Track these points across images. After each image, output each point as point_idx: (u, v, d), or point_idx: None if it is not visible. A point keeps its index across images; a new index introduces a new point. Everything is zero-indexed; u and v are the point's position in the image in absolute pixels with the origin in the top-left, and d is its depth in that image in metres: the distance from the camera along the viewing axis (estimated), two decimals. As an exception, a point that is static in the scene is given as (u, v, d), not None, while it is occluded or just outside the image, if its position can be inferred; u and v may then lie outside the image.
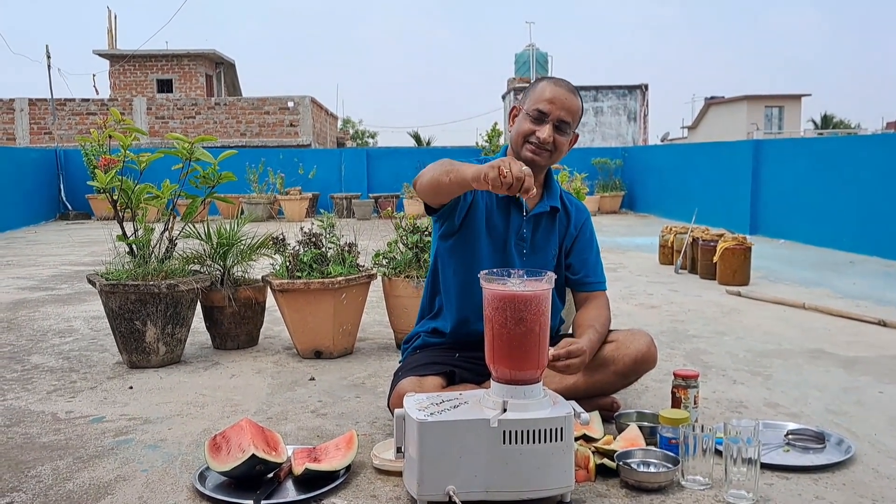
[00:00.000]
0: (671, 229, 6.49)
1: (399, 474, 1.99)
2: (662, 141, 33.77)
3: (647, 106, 24.79)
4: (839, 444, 2.21)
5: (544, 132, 2.26)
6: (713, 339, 3.71)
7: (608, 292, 2.54)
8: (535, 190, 1.86)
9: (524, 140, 2.30)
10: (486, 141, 10.41)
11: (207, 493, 1.91)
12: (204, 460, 2.05)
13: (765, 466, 2.02)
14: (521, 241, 2.37)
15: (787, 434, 2.28)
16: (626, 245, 8.26)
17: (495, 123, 11.00)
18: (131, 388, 2.93)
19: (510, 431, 1.76)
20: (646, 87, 24.84)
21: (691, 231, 6.03)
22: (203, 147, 3.51)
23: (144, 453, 2.24)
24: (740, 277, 5.32)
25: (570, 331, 2.47)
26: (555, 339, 2.30)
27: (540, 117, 2.27)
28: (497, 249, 2.36)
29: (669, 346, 3.56)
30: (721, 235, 5.65)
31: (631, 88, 24.72)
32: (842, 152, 8.02)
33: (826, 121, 40.13)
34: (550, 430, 1.77)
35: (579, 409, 1.83)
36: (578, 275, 2.48)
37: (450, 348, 2.42)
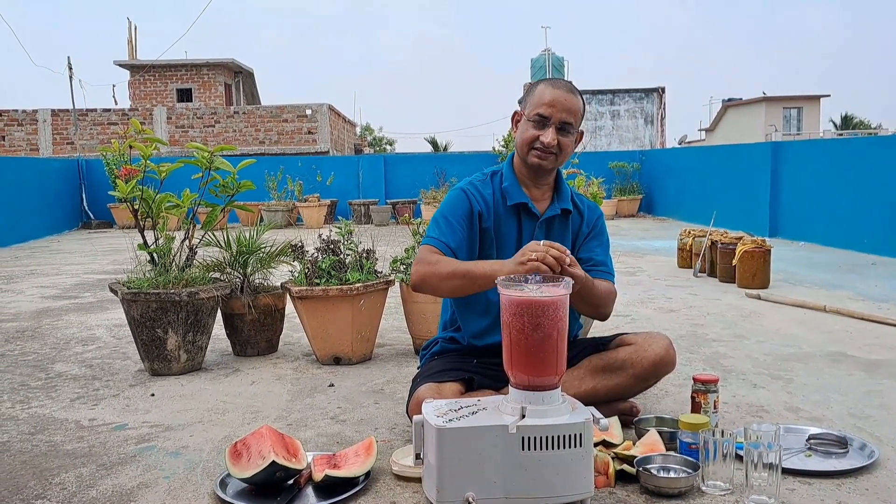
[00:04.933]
0: (690, 232, 6.46)
1: (418, 480, 2.00)
2: (680, 144, 33.54)
3: (664, 109, 24.67)
4: (862, 449, 2.19)
5: (548, 136, 2.25)
6: (733, 343, 3.68)
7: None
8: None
9: (529, 146, 2.29)
10: (503, 146, 10.43)
11: (228, 499, 1.93)
12: (225, 467, 2.07)
13: (786, 471, 2.00)
14: None
15: (809, 438, 2.26)
16: (644, 248, 8.22)
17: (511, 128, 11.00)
18: (153, 395, 2.97)
19: (529, 437, 1.76)
20: (663, 89, 24.70)
21: (710, 234, 5.99)
22: (222, 156, 3.54)
23: (166, 460, 2.26)
24: (760, 280, 5.27)
25: (588, 336, 2.46)
26: (573, 344, 2.30)
27: (542, 121, 2.26)
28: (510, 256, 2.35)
29: (689, 350, 3.54)
30: (740, 238, 5.60)
31: (648, 91, 24.59)
32: (862, 153, 7.94)
33: (846, 121, 39.69)
34: (569, 435, 1.77)
35: (598, 414, 1.82)
36: (586, 263, 2.42)
37: (468, 354, 2.42)
